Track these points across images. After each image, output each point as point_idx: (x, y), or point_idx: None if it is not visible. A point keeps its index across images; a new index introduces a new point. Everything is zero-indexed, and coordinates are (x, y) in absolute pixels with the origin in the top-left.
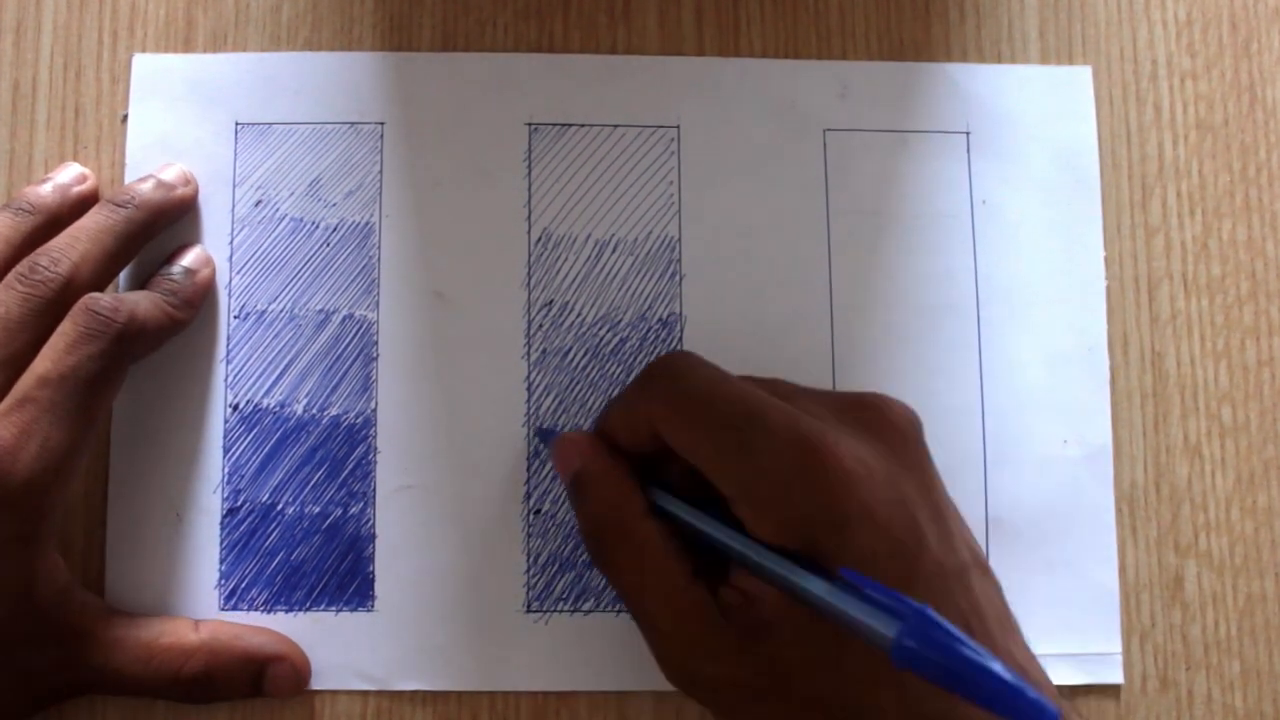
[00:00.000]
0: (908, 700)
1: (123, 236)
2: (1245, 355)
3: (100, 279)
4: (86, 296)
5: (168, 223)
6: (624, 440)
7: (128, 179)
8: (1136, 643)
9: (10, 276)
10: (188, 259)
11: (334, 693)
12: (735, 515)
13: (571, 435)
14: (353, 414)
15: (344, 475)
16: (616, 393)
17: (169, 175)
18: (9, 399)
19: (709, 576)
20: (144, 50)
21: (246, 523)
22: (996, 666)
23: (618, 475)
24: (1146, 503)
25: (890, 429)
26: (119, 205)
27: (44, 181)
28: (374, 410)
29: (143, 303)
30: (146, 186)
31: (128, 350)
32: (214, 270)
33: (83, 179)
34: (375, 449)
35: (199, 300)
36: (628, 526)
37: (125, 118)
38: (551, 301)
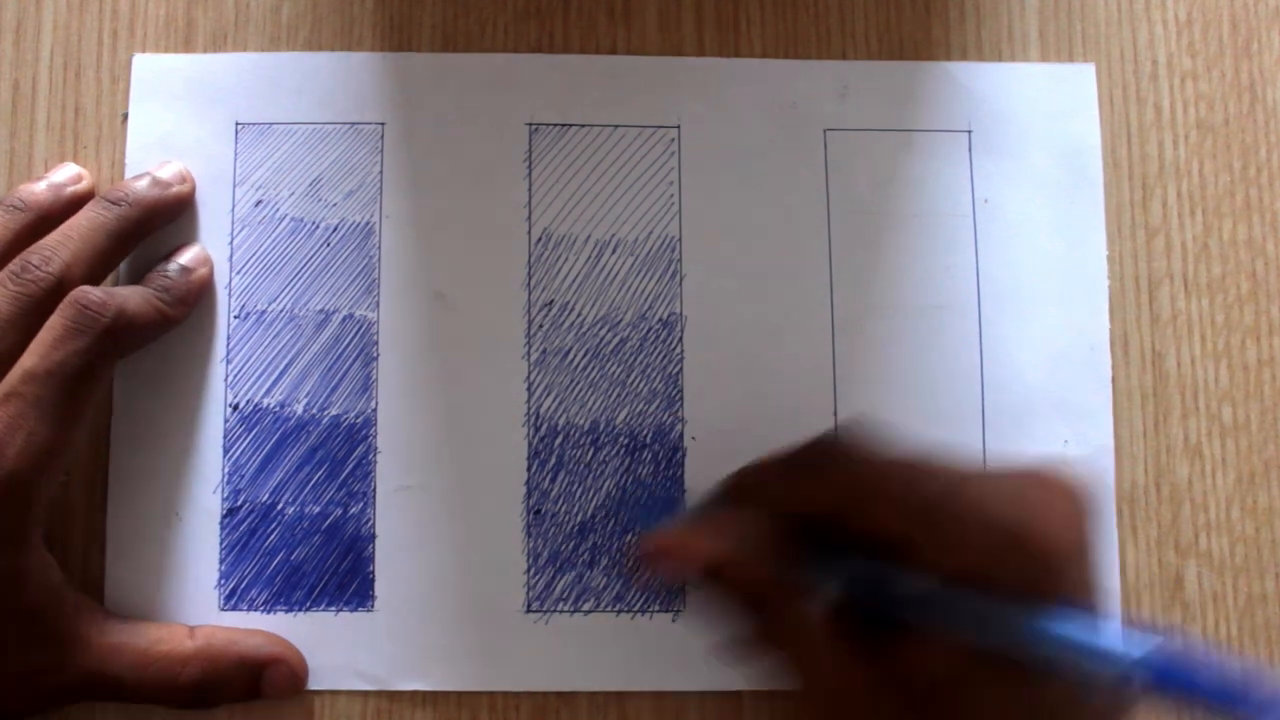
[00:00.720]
0: None
1: (115, 235)
2: (1245, 355)
3: (92, 277)
4: (76, 291)
5: (163, 221)
6: (783, 510)
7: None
8: None
9: (2, 274)
10: (185, 257)
11: (333, 693)
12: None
13: (697, 530)
14: (353, 414)
15: (344, 475)
16: (762, 461)
17: (165, 173)
18: None
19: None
20: (144, 50)
21: (246, 523)
22: (1259, 679)
23: (762, 555)
24: (1146, 503)
25: (1070, 502)
26: (113, 203)
27: (39, 180)
28: (374, 410)
29: (133, 298)
30: (141, 184)
31: (115, 345)
32: (212, 270)
33: (78, 179)
34: (375, 449)
35: (193, 299)
36: (788, 604)
37: (125, 117)
38: (552, 301)
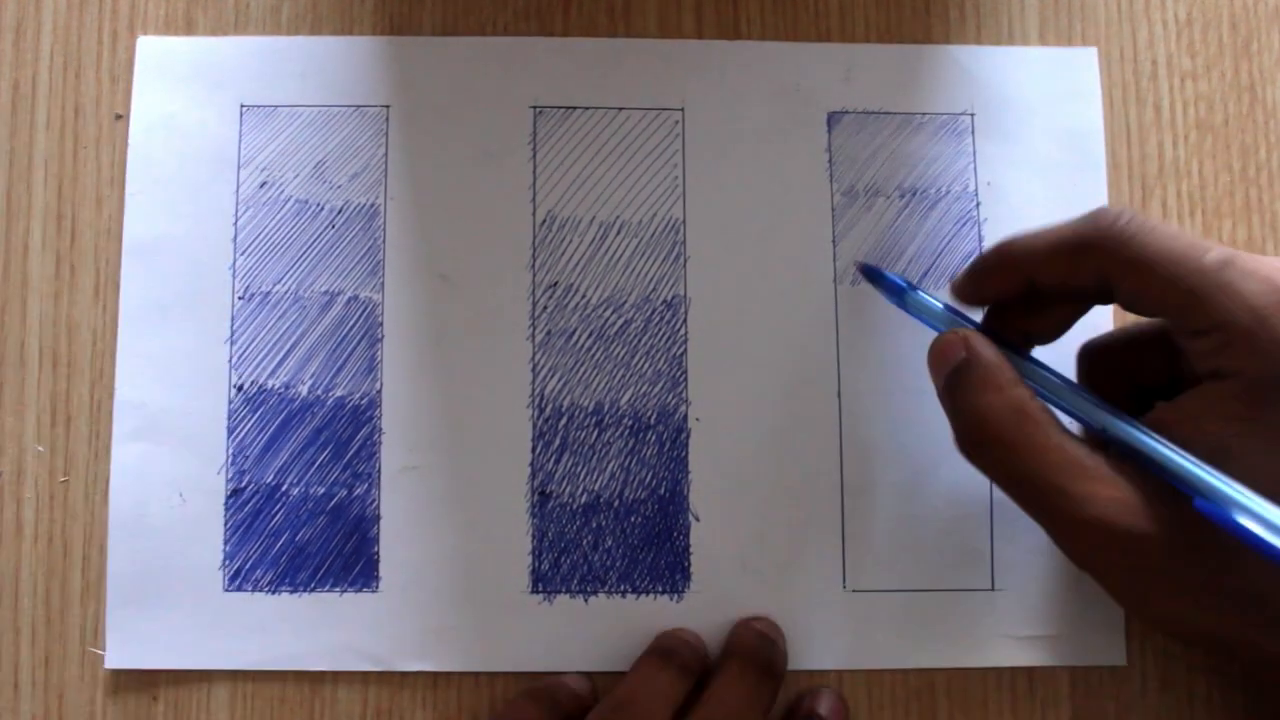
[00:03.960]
0: None
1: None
2: None
3: None
4: None
5: None
6: (1044, 275)
7: (130, 163)
8: (1136, 643)
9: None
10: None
11: (334, 674)
12: (1186, 353)
13: (955, 331)
14: (357, 395)
15: (349, 456)
16: (1033, 231)
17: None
18: None
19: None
20: None
21: (251, 504)
22: None
23: (1005, 363)
24: None
25: None
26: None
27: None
28: (379, 391)
29: None
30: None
31: None
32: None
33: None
34: (380, 430)
35: None
36: (1026, 408)
37: (119, 117)
38: (556, 283)
